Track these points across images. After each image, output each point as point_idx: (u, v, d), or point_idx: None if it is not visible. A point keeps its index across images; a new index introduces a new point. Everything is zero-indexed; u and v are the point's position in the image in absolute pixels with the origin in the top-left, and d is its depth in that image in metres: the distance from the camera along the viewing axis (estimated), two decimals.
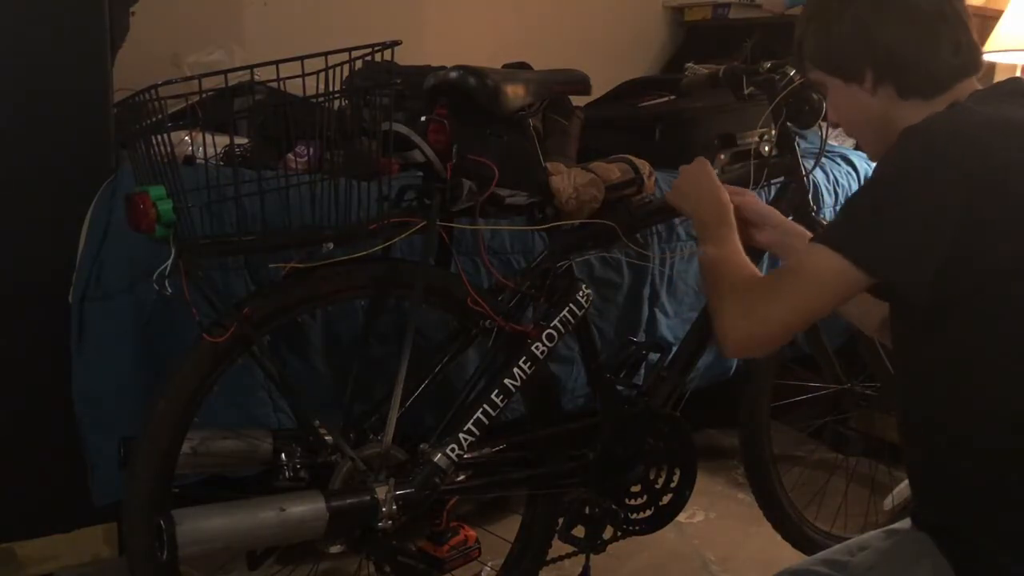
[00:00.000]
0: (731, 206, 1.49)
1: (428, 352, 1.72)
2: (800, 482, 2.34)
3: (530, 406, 1.78)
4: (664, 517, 1.84)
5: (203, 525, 1.31)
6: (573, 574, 1.84)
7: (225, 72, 1.31)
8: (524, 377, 1.62)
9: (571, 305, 1.70)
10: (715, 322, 1.27)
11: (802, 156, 1.97)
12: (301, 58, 1.35)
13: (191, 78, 1.33)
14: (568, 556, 1.80)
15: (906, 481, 2.40)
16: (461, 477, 1.65)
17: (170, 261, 1.34)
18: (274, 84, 1.37)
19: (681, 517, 1.90)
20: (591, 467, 1.80)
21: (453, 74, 1.63)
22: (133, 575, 1.44)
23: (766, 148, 1.91)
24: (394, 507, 1.45)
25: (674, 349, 1.94)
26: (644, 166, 1.80)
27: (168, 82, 1.30)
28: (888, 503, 2.39)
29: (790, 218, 1.93)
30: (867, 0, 1.25)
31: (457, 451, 1.54)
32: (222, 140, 1.46)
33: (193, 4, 2.63)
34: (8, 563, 1.78)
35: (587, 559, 1.78)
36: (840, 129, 2.73)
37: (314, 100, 1.38)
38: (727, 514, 2.43)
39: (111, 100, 1.74)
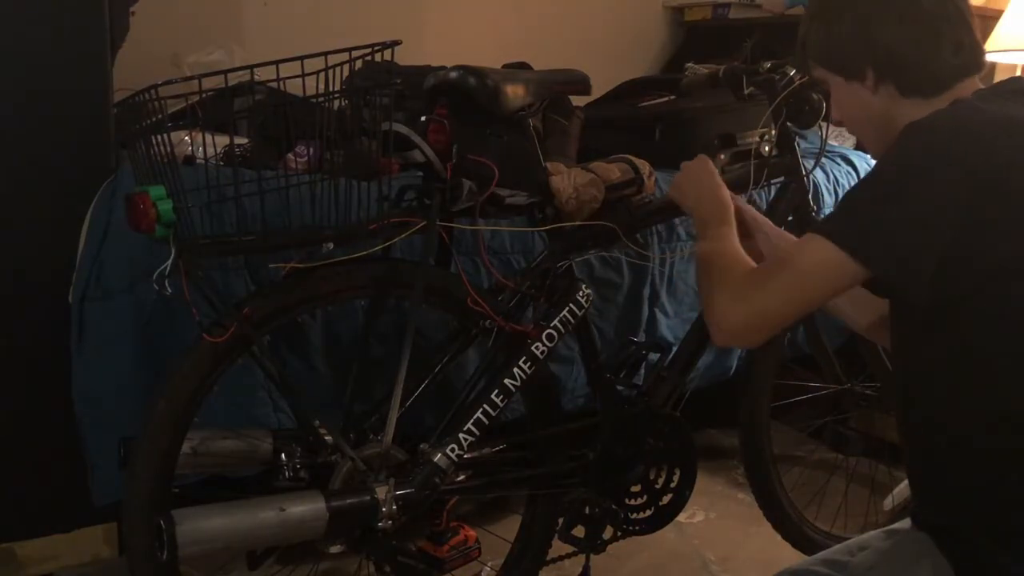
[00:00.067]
0: (731, 204, 1.49)
1: (428, 352, 1.72)
2: (800, 482, 2.34)
3: (530, 406, 1.78)
4: (664, 517, 1.84)
5: (203, 525, 1.31)
6: (573, 574, 1.84)
7: (225, 72, 1.31)
8: (524, 377, 1.62)
9: (571, 305, 1.70)
10: (707, 311, 1.27)
11: (802, 156, 1.96)
12: (301, 58, 1.35)
13: (191, 78, 1.33)
14: (568, 556, 1.80)
15: (906, 481, 2.40)
16: (461, 477, 1.65)
17: (170, 261, 1.34)
18: (274, 84, 1.37)
19: (681, 517, 1.90)
20: (591, 467, 1.80)
21: (453, 74, 1.63)
22: (133, 575, 1.44)
23: (766, 148, 1.90)
24: (394, 507, 1.45)
25: (674, 349, 1.94)
26: (644, 166, 1.80)
27: (168, 82, 1.30)
28: (888, 503, 2.39)
29: (790, 218, 1.95)
30: None
31: (457, 451, 1.54)
32: (222, 140, 1.46)
33: (193, 4, 2.63)
34: (8, 563, 1.78)
35: (587, 559, 1.78)
36: (840, 129, 2.75)
37: (314, 100, 1.38)
38: (727, 514, 2.43)
39: (111, 100, 1.74)
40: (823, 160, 2.28)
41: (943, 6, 1.22)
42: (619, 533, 1.81)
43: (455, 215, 1.62)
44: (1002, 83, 1.24)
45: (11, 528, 1.78)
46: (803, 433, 2.71)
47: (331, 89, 1.37)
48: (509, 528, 1.93)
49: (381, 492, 1.45)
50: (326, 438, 1.49)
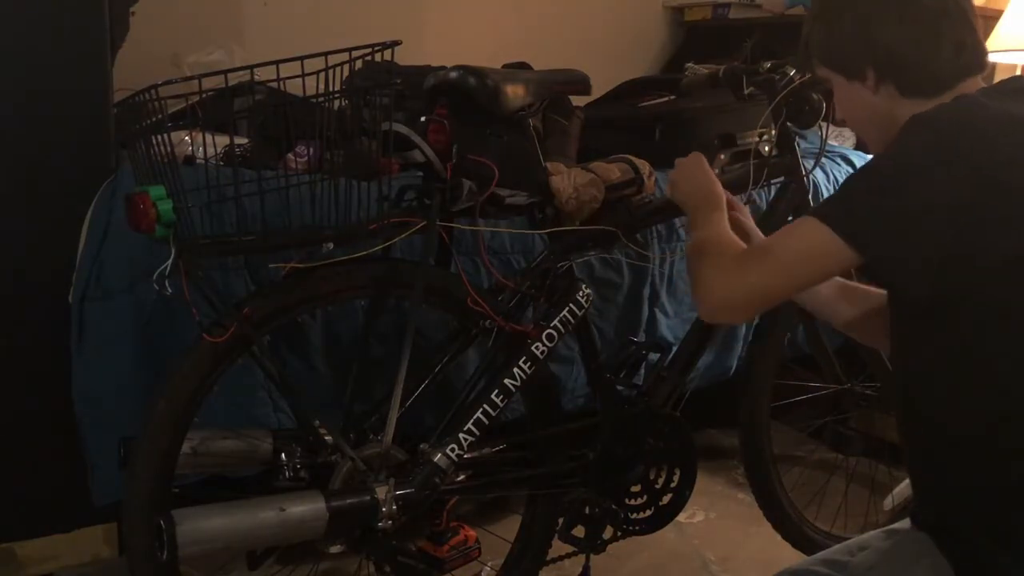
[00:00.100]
0: (724, 196, 1.49)
1: (428, 352, 1.72)
2: (800, 482, 2.34)
3: (530, 406, 1.78)
4: (664, 517, 1.84)
5: (203, 525, 1.31)
6: (573, 574, 1.84)
7: (225, 72, 1.31)
8: (524, 377, 1.62)
9: (571, 305, 1.70)
10: (694, 287, 1.27)
11: (802, 156, 1.96)
12: (301, 58, 1.35)
13: (191, 78, 1.33)
14: (568, 556, 1.80)
15: (906, 481, 2.41)
16: (461, 477, 1.65)
17: (170, 261, 1.34)
18: (274, 84, 1.37)
19: (681, 517, 1.90)
20: (591, 467, 1.80)
21: (453, 74, 1.63)
22: (133, 575, 1.44)
23: (766, 148, 1.90)
24: (394, 507, 1.45)
25: (674, 349, 1.94)
26: (644, 166, 1.80)
27: (168, 82, 1.30)
28: (888, 503, 2.39)
29: (790, 218, 1.94)
30: None
31: (457, 451, 1.54)
32: (222, 140, 1.46)
33: (193, 4, 2.63)
34: (8, 563, 1.78)
35: (587, 559, 1.78)
36: (840, 129, 2.75)
37: (314, 100, 1.38)
38: (727, 514, 2.43)
39: (111, 100, 1.74)
40: (823, 160, 2.27)
41: (944, 5, 1.22)
42: (619, 533, 1.81)
43: (455, 215, 1.62)
44: (1004, 82, 1.24)
45: (11, 528, 1.78)
46: (803, 433, 2.71)
47: (331, 89, 1.37)
48: (509, 528, 1.93)
49: (381, 492, 1.45)
50: (326, 438, 1.49)
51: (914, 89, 1.23)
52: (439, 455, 1.53)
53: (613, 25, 3.41)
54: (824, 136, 2.03)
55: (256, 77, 1.36)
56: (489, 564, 2.01)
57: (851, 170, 2.60)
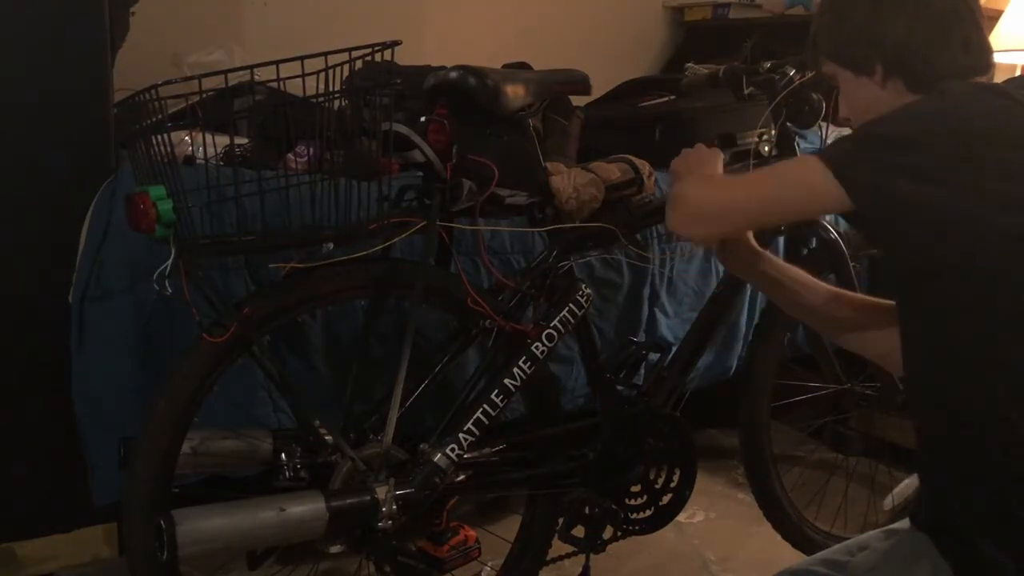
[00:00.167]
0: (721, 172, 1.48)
1: (428, 352, 1.72)
2: (800, 482, 2.34)
3: (530, 406, 1.78)
4: (664, 517, 1.84)
5: (203, 525, 1.31)
6: (573, 574, 1.84)
7: (225, 72, 1.31)
8: (524, 377, 1.62)
9: (571, 305, 1.70)
10: (669, 197, 1.25)
11: None
12: (301, 58, 1.35)
13: (191, 78, 1.33)
14: (568, 556, 1.80)
15: (906, 481, 2.41)
16: (461, 477, 1.65)
17: (170, 261, 1.35)
18: (274, 84, 1.37)
19: (681, 517, 1.90)
20: (591, 467, 1.80)
21: (453, 74, 1.63)
22: (133, 575, 1.44)
23: (766, 148, 1.90)
24: (394, 507, 1.45)
25: (674, 349, 1.95)
26: (644, 166, 1.81)
27: (168, 82, 1.30)
28: (888, 503, 2.39)
29: None
30: None
31: (457, 451, 1.54)
32: (222, 140, 1.46)
33: (193, 4, 2.63)
34: (8, 563, 1.78)
35: (587, 559, 1.78)
36: (840, 130, 2.74)
37: (314, 100, 1.38)
38: (727, 514, 2.43)
39: (111, 100, 1.74)
40: None
41: (955, 4, 1.22)
42: (619, 533, 1.81)
43: (455, 215, 1.62)
44: (1014, 79, 1.24)
45: (11, 528, 1.78)
46: (803, 433, 2.71)
47: (331, 89, 1.37)
48: (509, 528, 1.93)
49: (381, 492, 1.45)
50: (326, 438, 1.49)
51: (922, 85, 1.23)
52: (439, 455, 1.53)
53: (613, 25, 3.41)
54: (824, 136, 2.03)
55: (256, 77, 1.37)
56: (489, 564, 2.01)
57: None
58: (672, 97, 2.50)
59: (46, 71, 1.69)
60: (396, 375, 1.50)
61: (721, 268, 2.14)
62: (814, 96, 1.82)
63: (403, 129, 1.59)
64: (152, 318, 1.66)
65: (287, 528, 1.37)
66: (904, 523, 1.31)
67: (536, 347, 1.64)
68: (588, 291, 1.73)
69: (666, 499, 1.83)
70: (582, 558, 1.78)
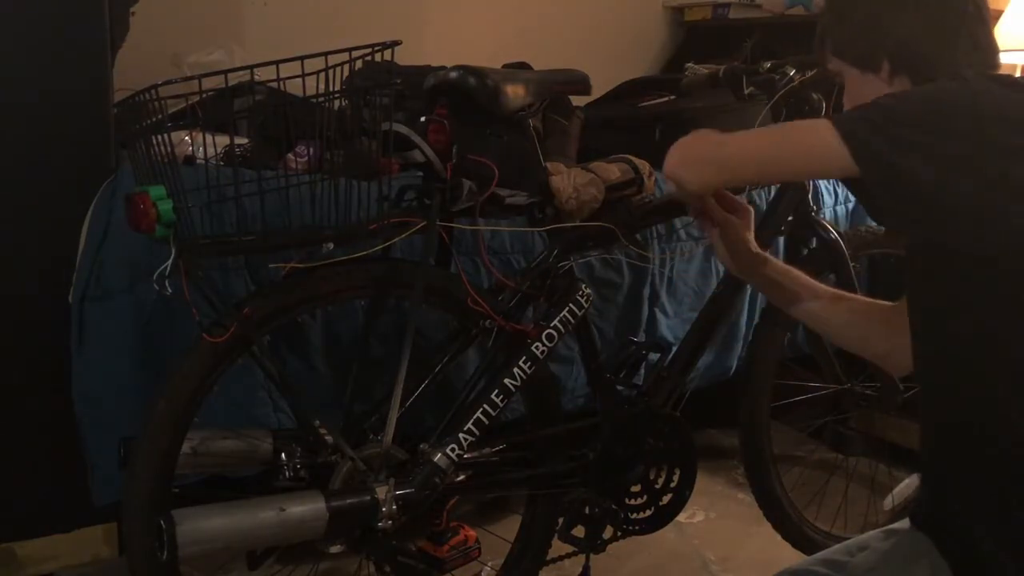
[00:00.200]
0: None
1: (428, 352, 1.72)
2: (800, 482, 2.34)
3: (530, 406, 1.78)
4: (664, 517, 1.84)
5: (203, 525, 1.31)
6: (573, 574, 1.84)
7: (225, 72, 1.31)
8: (524, 377, 1.62)
9: (571, 305, 1.70)
10: (673, 146, 1.23)
11: None
12: (301, 58, 1.35)
13: (191, 78, 1.33)
14: (568, 556, 1.80)
15: (906, 481, 2.41)
16: (461, 477, 1.65)
17: (170, 261, 1.35)
18: (274, 84, 1.37)
19: (681, 517, 1.90)
20: (591, 467, 1.80)
21: (453, 74, 1.63)
22: (133, 575, 1.44)
23: None
24: (394, 507, 1.45)
25: (674, 349, 1.94)
26: (644, 166, 1.81)
27: (168, 82, 1.30)
28: (888, 503, 2.39)
29: (790, 218, 1.95)
30: None
31: (457, 451, 1.54)
32: (222, 140, 1.46)
33: (193, 4, 2.63)
34: (8, 563, 1.78)
35: (587, 559, 1.78)
36: None
37: (314, 100, 1.38)
38: (727, 514, 2.43)
39: (111, 100, 1.74)
40: None
41: (963, 2, 1.22)
42: (619, 533, 1.81)
43: (455, 215, 1.62)
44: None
45: (11, 528, 1.78)
46: (803, 433, 2.71)
47: (331, 89, 1.37)
48: (509, 528, 1.93)
49: (381, 492, 1.45)
50: (326, 438, 1.49)
51: (928, 82, 1.23)
52: (439, 455, 1.53)
53: (613, 25, 3.41)
54: None
55: (256, 77, 1.37)
56: (489, 564, 2.01)
57: (851, 183, 2.60)
58: (672, 97, 2.50)
59: (46, 71, 1.69)
60: (396, 375, 1.50)
61: (721, 268, 2.14)
62: (814, 96, 1.82)
63: (403, 129, 1.59)
64: (152, 318, 1.66)
65: (287, 528, 1.37)
66: (904, 523, 1.31)
67: (536, 347, 1.64)
68: (588, 291, 1.73)
69: (666, 499, 1.83)
70: (582, 558, 1.78)
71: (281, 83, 1.36)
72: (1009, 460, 1.13)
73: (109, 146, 1.75)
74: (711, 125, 2.33)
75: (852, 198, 2.55)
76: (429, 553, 1.87)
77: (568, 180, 1.69)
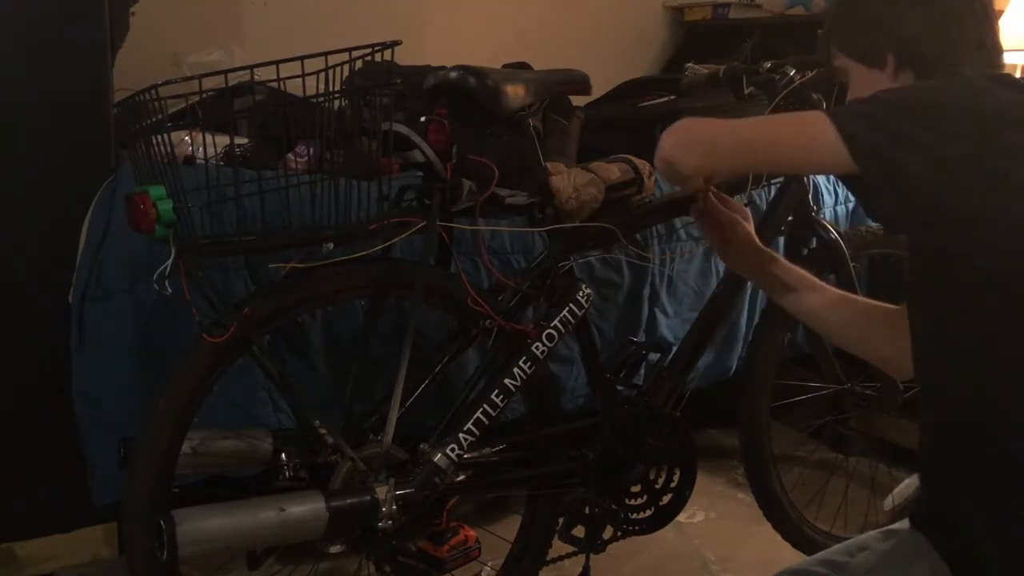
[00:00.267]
0: None
1: (428, 352, 1.72)
2: (800, 482, 2.34)
3: (530, 406, 1.78)
4: (664, 517, 1.84)
5: (203, 525, 1.31)
6: (573, 574, 1.84)
7: (225, 72, 1.31)
8: (524, 377, 1.62)
9: (571, 305, 1.70)
10: (668, 129, 1.22)
11: None
12: (301, 58, 1.35)
13: (191, 78, 1.33)
14: (568, 556, 1.80)
15: (906, 481, 2.41)
16: (461, 477, 1.65)
17: (170, 261, 1.35)
18: (274, 84, 1.37)
19: (681, 517, 1.90)
20: (591, 467, 1.80)
21: (453, 74, 1.63)
22: (133, 575, 1.44)
23: None
24: (394, 507, 1.45)
25: (674, 349, 1.94)
26: (644, 166, 1.80)
27: (168, 82, 1.30)
28: (888, 503, 2.39)
29: (790, 218, 1.95)
30: None
31: (457, 451, 1.54)
32: (222, 140, 1.46)
33: (193, 4, 2.64)
34: (8, 563, 1.78)
35: (587, 559, 1.78)
36: None
37: (314, 100, 1.38)
38: (727, 514, 2.43)
39: (111, 100, 1.74)
40: None
41: (969, 1, 1.22)
42: (619, 533, 1.81)
43: (455, 215, 1.62)
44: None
45: (11, 528, 1.78)
46: (803, 433, 2.71)
47: (331, 89, 1.37)
48: (509, 528, 1.93)
49: (381, 492, 1.45)
50: (326, 438, 1.49)
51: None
52: (439, 455, 1.53)
53: (613, 25, 3.41)
54: None
55: (256, 77, 1.37)
56: (489, 564, 2.01)
57: (848, 180, 2.60)
58: (672, 97, 2.50)
59: (46, 71, 1.69)
60: (396, 375, 1.50)
61: (721, 268, 2.15)
62: (814, 96, 1.82)
63: (403, 129, 1.59)
64: (152, 318, 1.67)
65: (287, 528, 1.37)
66: (904, 523, 1.30)
67: (536, 347, 1.64)
68: (588, 291, 1.73)
69: (666, 499, 1.83)
70: (582, 558, 1.78)
71: (281, 83, 1.36)
72: (1009, 460, 1.13)
73: (109, 146, 1.75)
74: None
75: (852, 198, 2.56)
76: (429, 553, 1.87)
77: (568, 180, 1.69)
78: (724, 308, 1.92)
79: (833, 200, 2.52)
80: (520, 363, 1.62)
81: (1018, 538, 1.13)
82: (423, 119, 1.65)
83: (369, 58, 1.40)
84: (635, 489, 1.83)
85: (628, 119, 2.52)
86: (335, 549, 1.49)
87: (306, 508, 1.37)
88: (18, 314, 1.72)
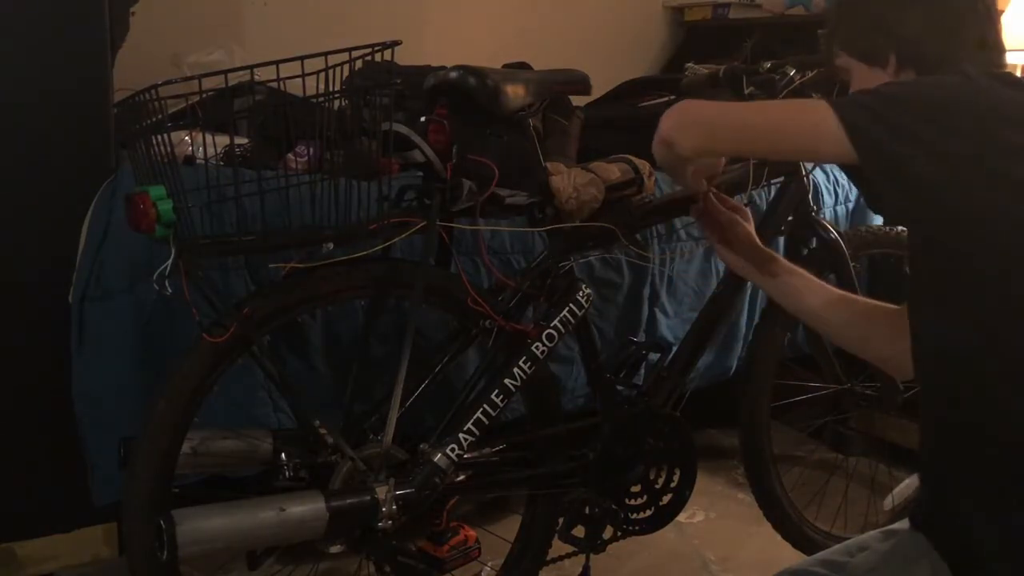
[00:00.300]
0: None
1: (428, 352, 1.72)
2: (800, 482, 2.34)
3: (530, 406, 1.78)
4: (664, 517, 1.84)
5: (203, 525, 1.31)
6: (573, 574, 1.84)
7: (225, 72, 1.31)
8: (524, 377, 1.62)
9: (571, 305, 1.70)
10: (669, 109, 1.23)
11: None
12: (301, 58, 1.35)
13: (191, 78, 1.33)
14: (568, 556, 1.80)
15: (906, 481, 2.41)
16: (461, 477, 1.65)
17: (170, 261, 1.34)
18: (274, 84, 1.37)
19: (681, 517, 1.90)
20: (591, 467, 1.80)
21: (453, 74, 1.63)
22: (133, 575, 1.44)
23: None
24: (394, 507, 1.45)
25: (674, 349, 1.94)
26: (644, 166, 1.80)
27: (168, 82, 1.30)
28: (888, 503, 2.39)
29: (790, 218, 1.95)
30: None
31: (457, 451, 1.54)
32: (222, 140, 1.46)
33: (193, 4, 2.64)
34: (8, 563, 1.78)
35: (587, 559, 1.78)
36: None
37: (314, 100, 1.38)
38: (727, 514, 2.43)
39: (111, 100, 1.74)
40: None
41: (972, 1, 1.22)
42: (619, 533, 1.81)
43: (455, 215, 1.62)
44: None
45: (11, 528, 1.78)
46: (803, 433, 2.71)
47: (331, 89, 1.37)
48: (509, 528, 1.93)
49: (381, 492, 1.45)
50: (326, 438, 1.49)
51: None
52: (439, 455, 1.53)
53: (613, 25, 3.41)
54: None
55: (256, 77, 1.37)
56: (489, 564, 2.01)
57: (850, 170, 2.60)
58: (672, 97, 2.49)
59: (46, 71, 1.69)
60: (396, 375, 1.50)
61: (721, 268, 2.15)
62: (814, 96, 1.82)
63: (403, 129, 1.59)
64: (152, 318, 1.67)
65: (287, 528, 1.37)
66: (904, 523, 1.30)
67: (536, 347, 1.64)
68: (588, 291, 1.73)
69: (666, 499, 1.83)
70: (582, 558, 1.78)
71: (281, 83, 1.36)
72: (1009, 460, 1.13)
73: (109, 146, 1.75)
74: None
75: (852, 198, 2.56)
76: (429, 553, 1.87)
77: (568, 180, 1.69)
78: (724, 308, 1.92)
79: (833, 200, 2.52)
80: (520, 363, 1.62)
81: (1018, 538, 1.13)
82: (423, 119, 1.65)
83: (369, 58, 1.40)
84: (635, 489, 1.83)
85: (628, 119, 2.52)
86: (335, 549, 1.49)
87: (306, 508, 1.37)
88: (18, 314, 1.72)
